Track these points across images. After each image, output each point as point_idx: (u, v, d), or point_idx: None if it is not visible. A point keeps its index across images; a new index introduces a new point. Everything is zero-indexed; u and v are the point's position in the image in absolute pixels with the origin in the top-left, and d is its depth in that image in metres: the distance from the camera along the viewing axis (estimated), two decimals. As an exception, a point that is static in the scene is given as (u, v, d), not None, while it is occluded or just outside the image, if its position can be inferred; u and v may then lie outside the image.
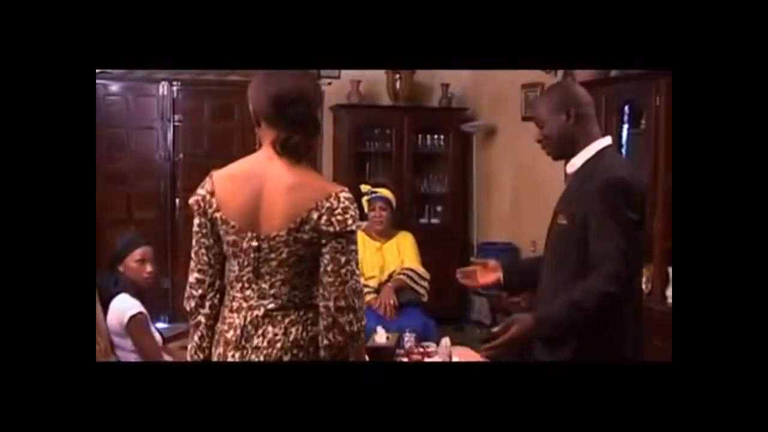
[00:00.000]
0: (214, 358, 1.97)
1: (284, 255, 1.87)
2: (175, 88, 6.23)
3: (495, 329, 2.18)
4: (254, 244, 1.87)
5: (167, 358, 3.29)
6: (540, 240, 5.45)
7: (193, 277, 1.97)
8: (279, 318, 1.90)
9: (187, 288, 1.98)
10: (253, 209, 1.87)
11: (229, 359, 1.92)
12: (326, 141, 6.60)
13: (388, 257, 4.45)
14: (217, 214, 1.89)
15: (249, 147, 6.32)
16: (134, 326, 3.02)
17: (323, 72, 6.44)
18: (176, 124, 6.25)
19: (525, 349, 2.31)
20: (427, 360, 3.51)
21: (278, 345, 1.90)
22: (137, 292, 3.18)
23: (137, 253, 3.19)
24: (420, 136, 6.67)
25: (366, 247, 4.36)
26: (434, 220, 6.86)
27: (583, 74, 4.88)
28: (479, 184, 6.68)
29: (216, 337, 1.97)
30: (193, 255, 1.96)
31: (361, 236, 4.10)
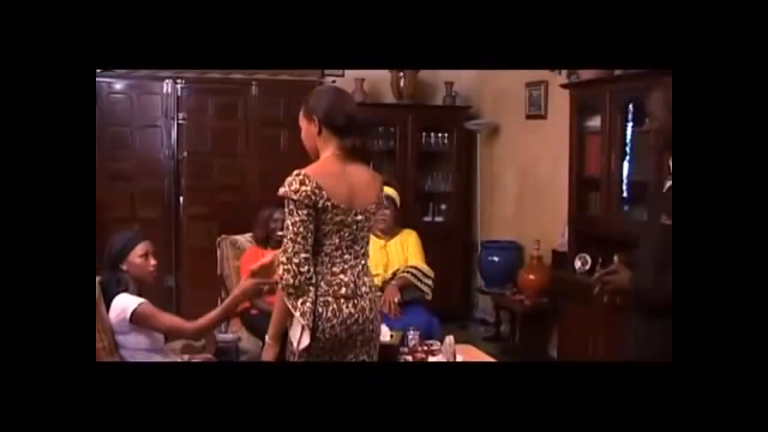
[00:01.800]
0: (328, 314, 2.45)
1: (371, 221, 2.63)
2: (179, 86, 6.21)
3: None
4: (358, 218, 2.53)
5: (170, 356, 3.30)
6: (543, 239, 5.51)
7: (300, 258, 2.41)
8: (368, 269, 2.65)
9: (293, 267, 2.40)
10: (350, 193, 2.50)
11: (344, 310, 2.48)
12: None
13: (392, 255, 4.45)
14: (328, 203, 2.44)
15: (252, 145, 6.36)
16: (140, 317, 3.01)
17: (327, 71, 6.44)
18: (180, 122, 6.23)
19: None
20: (431, 358, 3.52)
21: (372, 288, 2.63)
22: (138, 290, 3.19)
23: (139, 249, 3.20)
24: (424, 134, 6.67)
25: (370, 245, 4.34)
26: (438, 218, 6.86)
27: (587, 72, 4.88)
28: (483, 182, 6.68)
29: (324, 297, 2.47)
30: (299, 240, 2.40)
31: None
